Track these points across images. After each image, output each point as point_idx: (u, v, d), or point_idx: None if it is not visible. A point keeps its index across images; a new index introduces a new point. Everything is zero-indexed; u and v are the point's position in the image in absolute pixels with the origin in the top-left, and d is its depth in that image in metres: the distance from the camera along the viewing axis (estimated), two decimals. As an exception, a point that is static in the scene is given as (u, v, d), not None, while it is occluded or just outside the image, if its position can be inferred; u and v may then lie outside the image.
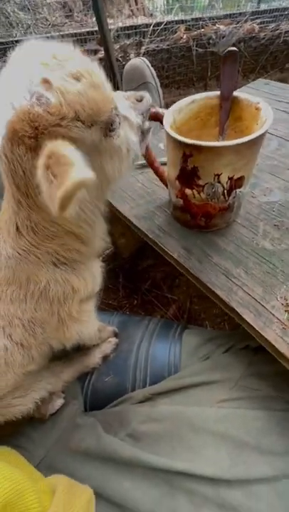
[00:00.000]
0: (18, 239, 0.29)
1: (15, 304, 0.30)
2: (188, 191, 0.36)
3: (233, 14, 1.23)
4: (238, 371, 0.38)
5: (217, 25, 1.21)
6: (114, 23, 1.21)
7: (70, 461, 0.35)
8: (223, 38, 1.22)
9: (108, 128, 0.26)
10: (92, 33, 1.17)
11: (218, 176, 0.32)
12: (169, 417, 0.36)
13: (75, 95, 0.22)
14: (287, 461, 0.31)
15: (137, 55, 1.20)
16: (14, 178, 0.25)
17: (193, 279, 0.39)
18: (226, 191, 0.34)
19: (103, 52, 1.04)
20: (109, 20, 1.11)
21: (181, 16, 1.31)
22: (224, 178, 0.33)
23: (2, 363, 0.30)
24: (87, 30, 1.20)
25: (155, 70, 0.80)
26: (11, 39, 1.21)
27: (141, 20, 1.27)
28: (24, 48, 0.24)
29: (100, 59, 1.07)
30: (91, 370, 0.46)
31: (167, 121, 0.33)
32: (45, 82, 0.22)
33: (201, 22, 1.21)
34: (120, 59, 1.17)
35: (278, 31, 1.27)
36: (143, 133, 0.33)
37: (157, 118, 0.36)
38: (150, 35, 1.18)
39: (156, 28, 1.18)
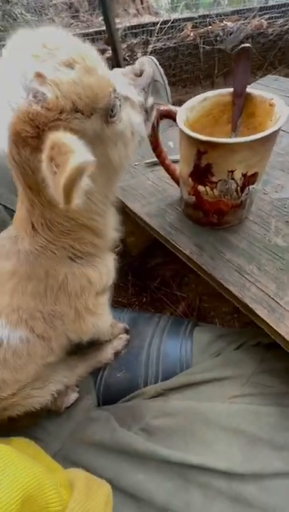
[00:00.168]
0: (34, 236, 0.30)
1: (36, 298, 0.31)
2: (201, 188, 0.36)
3: (241, 10, 1.22)
4: (250, 368, 0.38)
5: (224, 21, 1.20)
6: (120, 23, 1.21)
7: (84, 453, 0.36)
8: (230, 34, 1.21)
9: (109, 114, 0.25)
10: (99, 32, 1.18)
11: (232, 172, 0.32)
12: (182, 411, 0.36)
13: (71, 85, 0.22)
14: None
15: (144, 53, 1.20)
16: (25, 179, 0.26)
17: (206, 275, 0.40)
18: (239, 188, 0.34)
19: (111, 51, 1.05)
20: (116, 20, 1.12)
21: (187, 14, 1.30)
22: (238, 175, 0.33)
23: (25, 354, 0.31)
24: (95, 30, 1.20)
25: (162, 68, 0.81)
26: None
27: (148, 18, 1.27)
28: (14, 40, 0.23)
29: (108, 58, 1.08)
30: (103, 366, 0.47)
31: (180, 118, 0.34)
32: (39, 76, 0.21)
33: (208, 19, 1.20)
34: (127, 58, 1.18)
35: (287, 26, 1.25)
36: (147, 111, 0.32)
37: (170, 116, 0.36)
38: (157, 33, 1.18)
39: (163, 27, 1.18)
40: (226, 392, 0.37)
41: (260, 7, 1.23)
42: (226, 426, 0.34)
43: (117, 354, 0.48)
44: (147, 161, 0.56)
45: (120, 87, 0.27)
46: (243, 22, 1.21)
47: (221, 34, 1.21)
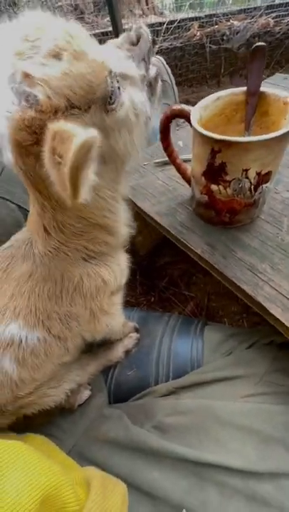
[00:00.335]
0: (47, 239, 0.30)
1: (52, 299, 0.31)
2: (214, 187, 0.36)
3: (248, 9, 1.22)
4: (262, 367, 0.38)
5: (231, 21, 1.20)
6: (126, 23, 1.22)
7: (99, 450, 0.36)
8: (237, 33, 1.21)
9: (108, 102, 0.23)
10: (105, 33, 1.18)
11: (246, 171, 0.32)
12: (195, 410, 0.37)
13: (61, 79, 0.20)
14: None
15: (151, 53, 1.20)
16: (34, 185, 0.26)
17: (218, 274, 0.40)
18: (252, 187, 0.34)
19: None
20: (122, 21, 1.12)
21: (192, 14, 1.30)
22: (252, 174, 0.33)
23: (42, 353, 0.31)
24: (101, 31, 1.21)
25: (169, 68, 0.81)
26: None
27: (154, 19, 1.27)
28: None
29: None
30: (114, 364, 0.47)
31: (194, 118, 0.34)
32: (26, 76, 0.20)
33: (214, 18, 1.20)
34: (134, 58, 1.18)
35: (294, 25, 1.24)
36: (151, 84, 0.28)
37: (182, 115, 0.36)
38: (163, 33, 1.18)
39: (169, 27, 1.18)
40: (238, 391, 0.37)
41: (267, 5, 1.23)
42: (239, 425, 0.34)
43: (127, 353, 0.48)
44: (157, 160, 0.56)
45: (116, 64, 0.25)
46: (249, 21, 1.20)
47: (228, 33, 1.21)
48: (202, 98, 0.37)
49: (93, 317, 0.34)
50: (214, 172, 0.34)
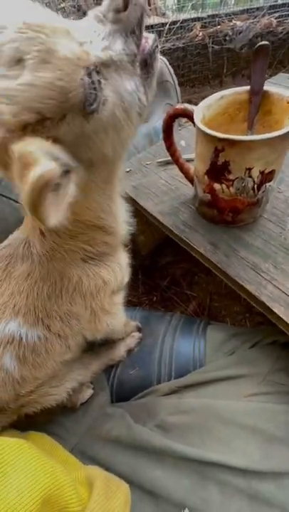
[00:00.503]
0: (43, 240, 0.30)
1: (51, 299, 0.31)
2: (217, 186, 0.36)
3: (251, 9, 1.22)
4: (266, 366, 0.38)
5: (234, 21, 1.20)
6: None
7: (101, 448, 0.36)
8: (239, 33, 1.20)
9: (86, 105, 0.20)
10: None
11: (250, 170, 0.32)
12: (197, 409, 0.36)
13: (26, 91, 0.17)
14: None
15: (153, 54, 1.21)
16: None
17: (221, 273, 0.39)
18: (256, 185, 0.34)
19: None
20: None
21: (194, 14, 1.30)
22: (255, 172, 0.33)
23: (43, 351, 0.32)
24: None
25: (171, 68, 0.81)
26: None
27: (157, 19, 1.27)
28: None
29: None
30: (116, 363, 0.47)
31: (198, 117, 0.34)
32: None
33: (217, 19, 1.20)
34: (136, 59, 1.18)
35: (296, 25, 1.24)
36: (146, 62, 0.23)
37: (186, 114, 0.36)
38: (166, 34, 1.18)
39: (172, 27, 1.18)
40: (241, 391, 0.37)
41: (270, 6, 1.22)
42: (243, 424, 0.34)
43: (129, 352, 0.48)
44: (159, 160, 0.56)
45: (97, 49, 0.20)
46: (252, 21, 1.20)
47: (230, 33, 1.21)
48: (204, 98, 0.37)
49: (94, 316, 0.34)
50: (217, 171, 0.34)
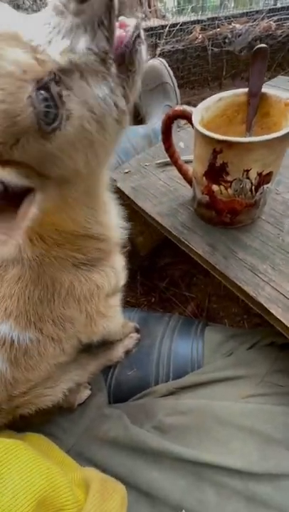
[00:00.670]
0: (32, 246, 0.29)
1: (43, 303, 0.30)
2: (215, 187, 0.36)
3: (250, 12, 1.23)
4: (263, 367, 0.38)
5: (233, 24, 1.21)
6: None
7: (98, 449, 0.36)
8: (239, 36, 1.21)
9: (41, 125, 0.17)
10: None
11: (248, 171, 0.32)
12: (195, 410, 0.36)
13: None
14: None
15: (153, 56, 1.21)
16: None
17: (219, 275, 0.40)
18: (253, 187, 0.35)
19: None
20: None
21: (194, 17, 1.31)
22: (253, 174, 0.33)
23: (35, 354, 0.31)
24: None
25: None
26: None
27: (156, 22, 1.28)
28: None
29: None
30: (114, 364, 0.47)
31: (196, 118, 0.34)
32: None
33: (216, 21, 1.20)
34: (136, 61, 1.19)
35: (295, 28, 1.25)
36: (123, 58, 0.19)
37: (185, 116, 0.36)
38: (166, 36, 1.19)
39: (171, 30, 1.18)
40: (239, 392, 0.37)
41: (269, 9, 1.23)
42: (240, 425, 0.34)
43: (127, 353, 0.48)
44: (158, 161, 0.56)
45: (56, 48, 0.17)
46: (251, 24, 1.21)
47: (230, 36, 1.21)
48: (204, 100, 0.37)
49: (90, 320, 0.34)
50: (215, 172, 0.34)
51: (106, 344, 0.47)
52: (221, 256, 0.40)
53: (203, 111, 0.36)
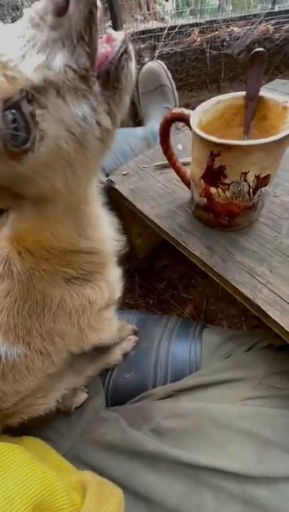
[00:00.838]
0: (21, 259, 0.28)
1: (32, 317, 0.30)
2: (213, 190, 0.36)
3: (248, 16, 1.24)
4: (261, 369, 0.38)
5: (231, 27, 1.22)
6: (128, 28, 1.23)
7: (95, 453, 0.36)
8: (237, 39, 1.22)
9: (12, 146, 0.16)
10: (107, 38, 1.19)
11: (245, 174, 0.32)
12: (193, 412, 0.36)
13: None
14: None
15: (152, 58, 1.22)
16: None
17: (217, 277, 0.40)
18: (251, 190, 0.35)
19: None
20: (123, 26, 1.13)
21: (193, 20, 1.32)
22: (251, 177, 0.33)
23: (23, 368, 0.31)
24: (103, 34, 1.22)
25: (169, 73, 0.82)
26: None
27: (155, 24, 1.29)
28: None
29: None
30: (112, 367, 0.47)
31: (194, 121, 0.34)
32: None
33: (215, 25, 1.21)
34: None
35: (293, 32, 1.26)
36: (108, 74, 0.18)
37: (183, 119, 0.36)
38: (164, 38, 1.20)
39: (170, 32, 1.19)
40: (237, 394, 0.37)
41: (267, 13, 1.24)
42: (238, 428, 0.33)
43: (125, 355, 0.48)
44: (156, 163, 0.56)
45: (30, 64, 0.15)
46: (249, 27, 1.22)
47: (228, 39, 1.22)
48: (202, 102, 0.37)
49: (81, 333, 0.33)
50: (213, 175, 0.34)
51: (103, 348, 0.47)
52: (219, 258, 0.40)
53: (201, 114, 0.36)
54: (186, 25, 1.21)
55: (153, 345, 0.47)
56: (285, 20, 1.25)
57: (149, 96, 0.80)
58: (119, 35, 0.18)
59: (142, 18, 1.60)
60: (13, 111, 0.15)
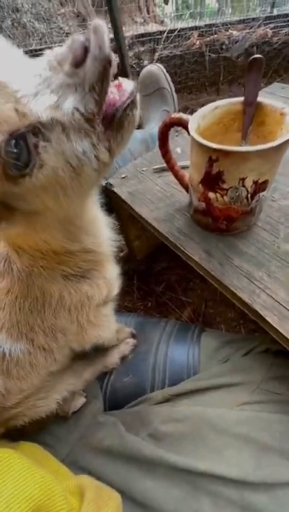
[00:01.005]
0: (19, 257, 0.29)
1: (34, 313, 0.30)
2: (211, 195, 0.36)
3: (247, 19, 1.24)
4: (259, 374, 0.38)
5: (230, 30, 1.22)
6: (128, 31, 1.24)
7: (92, 458, 0.35)
8: (236, 43, 1.23)
9: (9, 171, 0.17)
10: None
11: (243, 179, 0.33)
12: (191, 417, 0.36)
13: None
14: None
15: (151, 61, 1.22)
16: None
17: (215, 281, 0.40)
18: (249, 195, 0.35)
19: (118, 59, 1.07)
20: (123, 29, 1.14)
21: (192, 23, 1.33)
22: (249, 182, 0.33)
23: (27, 365, 0.31)
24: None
25: (168, 75, 0.82)
26: (27, 48, 1.26)
27: (155, 27, 1.29)
28: None
29: (115, 65, 1.09)
30: (110, 371, 0.47)
31: (192, 126, 0.34)
32: None
33: (214, 28, 1.22)
34: (134, 65, 1.20)
35: (291, 36, 1.27)
36: (112, 118, 0.19)
37: (181, 124, 0.37)
38: (164, 41, 1.20)
39: (169, 35, 1.20)
40: (235, 399, 0.37)
41: (266, 16, 1.25)
42: (236, 433, 0.33)
43: (123, 359, 0.48)
44: (155, 166, 0.57)
45: (42, 102, 0.17)
46: (248, 31, 1.23)
47: (227, 42, 1.23)
48: (201, 105, 0.37)
49: (81, 329, 0.33)
50: (211, 180, 0.34)
51: (101, 350, 0.46)
52: (217, 262, 0.40)
53: (199, 119, 0.36)
54: (186, 28, 1.22)
55: (151, 348, 0.47)
56: (284, 23, 1.26)
57: (148, 99, 0.80)
58: (129, 85, 0.20)
59: (142, 20, 1.61)
60: (18, 141, 0.16)
